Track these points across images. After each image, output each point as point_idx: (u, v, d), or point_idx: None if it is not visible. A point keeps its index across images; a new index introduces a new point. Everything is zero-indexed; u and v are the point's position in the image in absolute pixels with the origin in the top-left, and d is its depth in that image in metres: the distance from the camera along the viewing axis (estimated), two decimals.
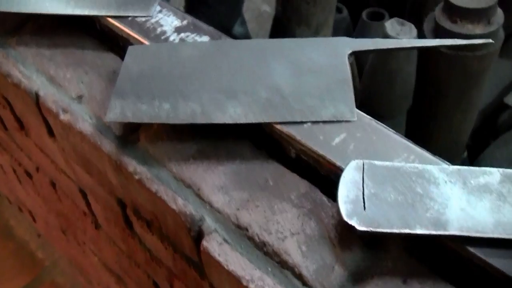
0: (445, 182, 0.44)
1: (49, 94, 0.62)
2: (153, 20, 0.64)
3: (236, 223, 0.48)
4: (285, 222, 0.47)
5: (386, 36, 0.74)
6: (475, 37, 0.73)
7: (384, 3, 1.18)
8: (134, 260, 0.79)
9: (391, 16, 1.06)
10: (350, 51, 0.55)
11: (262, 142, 0.54)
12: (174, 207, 0.50)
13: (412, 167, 0.45)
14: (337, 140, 0.49)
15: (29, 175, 1.03)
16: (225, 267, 0.46)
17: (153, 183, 0.52)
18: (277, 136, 0.52)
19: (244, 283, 0.45)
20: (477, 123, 0.97)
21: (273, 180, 0.50)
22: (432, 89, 0.86)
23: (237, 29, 1.40)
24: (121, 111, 0.53)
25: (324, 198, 0.48)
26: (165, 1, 0.67)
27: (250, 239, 0.47)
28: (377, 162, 0.46)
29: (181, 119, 0.52)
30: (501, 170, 0.44)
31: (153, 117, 0.52)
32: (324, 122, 0.51)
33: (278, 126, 0.51)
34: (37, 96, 0.63)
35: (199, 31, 0.62)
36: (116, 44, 0.65)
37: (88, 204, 0.80)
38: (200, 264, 0.53)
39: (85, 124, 0.58)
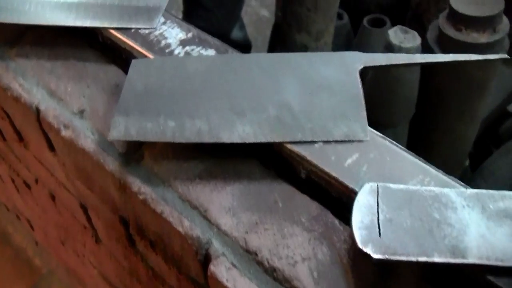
0: (463, 206, 0.43)
1: (50, 109, 0.60)
2: (157, 32, 0.62)
3: (245, 247, 0.46)
4: (296, 247, 0.45)
5: (389, 44, 0.72)
6: (480, 46, 0.72)
7: (385, 10, 1.16)
8: (136, 276, 0.77)
9: (392, 23, 1.05)
10: (361, 66, 0.53)
11: (271, 161, 0.52)
12: (180, 229, 0.49)
13: (428, 191, 0.44)
14: (349, 161, 0.48)
15: (27, 185, 1.01)
16: None
17: (158, 203, 0.50)
18: (287, 155, 0.50)
19: None
20: (480, 131, 0.96)
21: (282, 201, 0.49)
22: (435, 97, 0.84)
23: (236, 33, 1.38)
24: (124, 128, 0.51)
25: (336, 221, 0.47)
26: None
27: (260, 264, 0.45)
28: (392, 185, 0.44)
29: (187, 138, 0.50)
30: None
31: (158, 135, 0.50)
32: (336, 141, 0.49)
33: (288, 145, 0.49)
34: (37, 110, 0.61)
35: (205, 44, 0.60)
36: (119, 56, 0.63)
37: (88, 219, 0.78)
38: (206, 287, 0.51)
39: (87, 140, 0.56)
